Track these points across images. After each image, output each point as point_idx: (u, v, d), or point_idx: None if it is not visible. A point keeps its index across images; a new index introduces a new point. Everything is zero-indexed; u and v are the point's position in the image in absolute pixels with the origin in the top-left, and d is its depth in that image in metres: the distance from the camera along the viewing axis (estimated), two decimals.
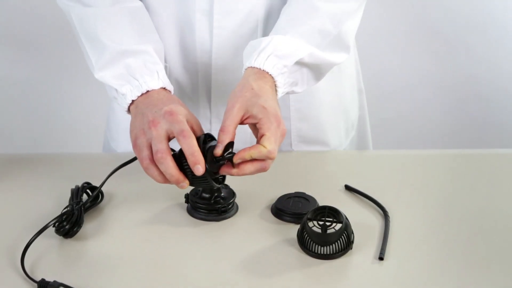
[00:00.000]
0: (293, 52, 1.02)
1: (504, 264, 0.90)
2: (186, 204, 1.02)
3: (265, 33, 1.15)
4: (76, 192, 1.00)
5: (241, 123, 0.95)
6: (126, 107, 1.03)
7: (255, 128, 0.95)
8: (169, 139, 0.94)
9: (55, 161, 1.18)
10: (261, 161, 0.92)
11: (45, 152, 1.60)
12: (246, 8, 1.12)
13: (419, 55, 2.37)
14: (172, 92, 1.05)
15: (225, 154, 0.92)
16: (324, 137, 1.25)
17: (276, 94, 1.01)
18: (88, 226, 0.97)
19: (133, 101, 1.02)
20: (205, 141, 0.94)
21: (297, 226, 0.96)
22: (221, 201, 0.99)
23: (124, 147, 1.27)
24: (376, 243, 0.94)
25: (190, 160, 0.90)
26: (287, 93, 1.05)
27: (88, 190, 1.03)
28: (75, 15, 1.10)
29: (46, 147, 2.36)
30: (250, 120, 0.94)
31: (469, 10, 2.32)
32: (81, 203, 0.97)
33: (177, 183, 0.92)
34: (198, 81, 1.19)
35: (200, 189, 1.00)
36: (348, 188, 1.08)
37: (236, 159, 0.92)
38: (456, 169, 1.18)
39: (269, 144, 0.91)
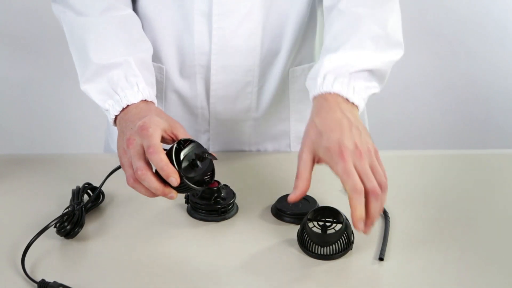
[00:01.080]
0: (348, 64, 0.99)
1: (504, 265, 0.90)
2: (186, 205, 1.02)
3: (264, 33, 1.15)
4: (77, 193, 1.01)
5: (318, 162, 0.91)
6: (112, 122, 1.04)
7: None
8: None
9: (55, 161, 1.18)
10: (373, 200, 0.86)
11: (45, 152, 1.60)
12: (245, 9, 1.12)
13: (419, 56, 2.37)
14: (155, 101, 1.05)
15: (204, 178, 0.94)
16: None
17: (357, 107, 0.97)
18: (89, 226, 0.97)
19: (116, 116, 1.03)
20: (179, 148, 0.92)
21: (297, 227, 0.96)
22: (221, 201, 0.99)
23: None
24: (376, 243, 0.94)
25: (162, 174, 0.89)
26: (364, 99, 1.00)
27: (89, 191, 1.03)
28: (65, 23, 1.11)
29: (46, 147, 2.36)
30: (322, 162, 0.90)
31: (469, 11, 2.32)
32: (82, 203, 0.97)
33: (164, 195, 0.91)
34: (196, 83, 1.19)
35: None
36: None
37: (359, 227, 0.84)
38: (456, 170, 1.18)
39: (346, 186, 0.85)
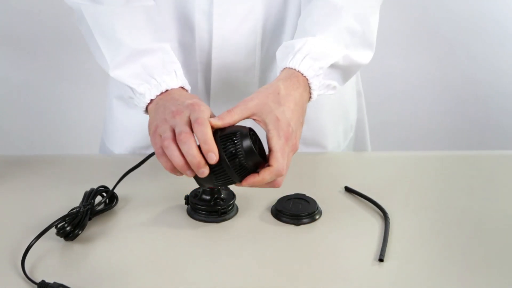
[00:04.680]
0: (328, 54, 1.01)
1: (503, 266, 0.90)
2: (186, 206, 1.02)
3: (264, 33, 1.15)
4: (88, 195, 0.99)
5: (251, 118, 0.93)
6: (144, 106, 1.02)
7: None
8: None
9: (56, 162, 1.17)
10: (270, 184, 0.91)
11: (45, 153, 1.60)
12: (246, 8, 1.13)
13: (418, 57, 2.37)
14: (189, 89, 1.04)
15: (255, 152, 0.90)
16: (323, 139, 1.25)
17: (310, 97, 1.00)
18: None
19: (151, 100, 1.01)
20: (235, 137, 0.89)
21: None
22: (221, 202, 0.99)
23: (120, 148, 1.27)
24: (376, 244, 0.94)
25: (203, 148, 0.87)
26: (319, 95, 1.02)
27: (104, 194, 1.02)
28: (88, 13, 1.08)
29: (46, 148, 2.36)
30: (260, 124, 0.93)
31: (469, 11, 2.32)
32: (89, 206, 0.96)
33: (198, 167, 0.88)
34: (197, 81, 1.19)
35: (200, 190, 1.00)
36: (348, 189, 1.08)
37: (244, 185, 0.90)
38: (456, 171, 1.18)
39: (276, 162, 0.89)
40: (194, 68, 1.18)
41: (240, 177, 0.90)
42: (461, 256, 0.92)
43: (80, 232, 0.93)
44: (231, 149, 0.89)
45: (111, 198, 1.02)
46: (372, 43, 1.10)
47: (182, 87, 1.02)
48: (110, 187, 1.01)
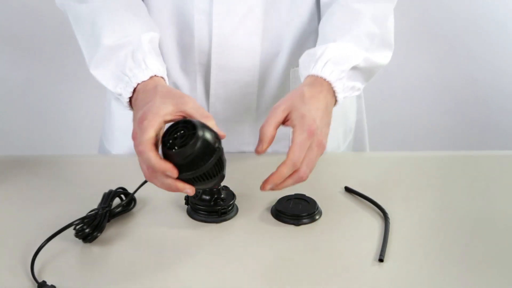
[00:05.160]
0: (349, 57, 1.04)
1: (503, 266, 0.90)
2: (186, 206, 1.02)
3: (264, 33, 1.14)
4: (106, 197, 0.98)
5: (283, 124, 0.95)
6: (128, 106, 1.01)
7: None
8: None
9: (58, 163, 1.17)
10: (294, 174, 0.92)
11: (45, 153, 1.60)
12: (245, 8, 1.12)
13: (418, 57, 2.37)
14: (165, 76, 1.01)
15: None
16: None
17: (336, 101, 1.02)
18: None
19: (130, 98, 1.00)
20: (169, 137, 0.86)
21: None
22: (221, 202, 0.99)
23: (118, 149, 1.27)
24: (376, 244, 0.94)
25: (158, 171, 0.86)
26: (345, 97, 1.04)
27: (122, 196, 1.01)
28: (71, 14, 1.10)
29: (45, 148, 2.36)
30: (289, 124, 0.94)
31: (469, 11, 2.32)
32: (107, 208, 0.95)
33: (180, 190, 0.87)
34: (196, 82, 1.19)
35: (200, 191, 1.00)
36: (348, 189, 1.08)
37: (267, 187, 0.91)
38: (456, 171, 1.18)
39: (292, 153, 0.90)
40: (193, 69, 1.18)
41: (207, 170, 0.86)
42: (461, 256, 0.92)
43: (98, 234, 0.92)
44: (174, 151, 0.85)
45: (129, 201, 1.00)
46: (391, 43, 1.13)
47: (155, 76, 0.99)
48: (111, 188, 1.01)
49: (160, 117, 0.89)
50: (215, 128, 0.88)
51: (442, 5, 2.31)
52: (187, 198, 1.01)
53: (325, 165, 1.19)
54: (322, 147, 0.94)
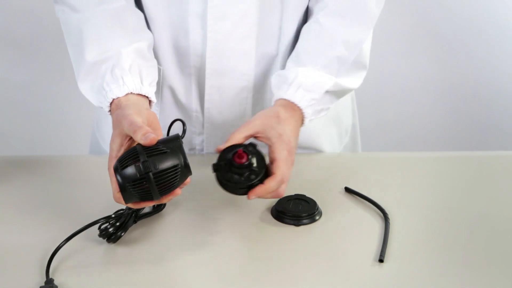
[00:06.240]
0: (319, 84, 1.08)
1: (504, 267, 0.90)
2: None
3: (259, 37, 1.14)
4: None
5: (255, 137, 0.99)
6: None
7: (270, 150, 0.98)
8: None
9: (56, 163, 1.17)
10: (272, 194, 0.95)
11: (45, 153, 1.60)
12: (240, 12, 1.12)
13: (418, 57, 2.37)
14: (144, 91, 1.03)
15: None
16: (317, 143, 1.24)
17: (303, 124, 1.07)
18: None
19: (110, 111, 1.03)
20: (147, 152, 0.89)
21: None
22: (253, 177, 0.94)
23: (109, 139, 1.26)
24: (376, 245, 0.94)
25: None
26: (311, 120, 1.09)
27: None
28: (63, 22, 1.11)
29: (45, 148, 2.36)
30: (264, 140, 0.98)
31: (469, 11, 2.32)
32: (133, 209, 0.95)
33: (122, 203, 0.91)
34: (191, 85, 1.19)
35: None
36: (348, 190, 1.08)
37: (252, 197, 0.93)
38: (456, 171, 1.18)
39: (279, 170, 0.94)
40: (188, 72, 1.18)
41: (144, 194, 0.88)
42: (461, 256, 0.92)
43: (122, 234, 0.93)
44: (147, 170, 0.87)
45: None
46: (365, 64, 1.18)
47: (131, 93, 1.02)
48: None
49: (114, 158, 0.93)
50: (147, 140, 0.89)
51: (442, 5, 2.31)
52: (215, 166, 0.96)
53: (325, 165, 1.19)
54: (292, 166, 0.98)
